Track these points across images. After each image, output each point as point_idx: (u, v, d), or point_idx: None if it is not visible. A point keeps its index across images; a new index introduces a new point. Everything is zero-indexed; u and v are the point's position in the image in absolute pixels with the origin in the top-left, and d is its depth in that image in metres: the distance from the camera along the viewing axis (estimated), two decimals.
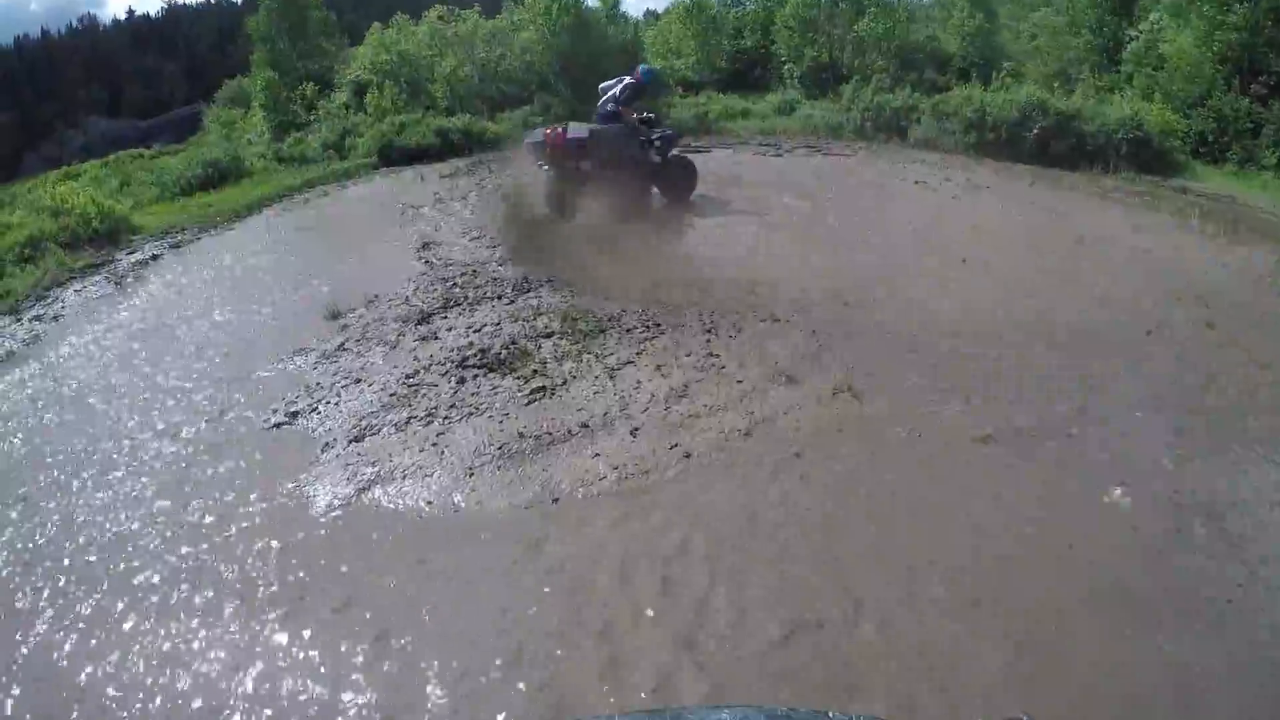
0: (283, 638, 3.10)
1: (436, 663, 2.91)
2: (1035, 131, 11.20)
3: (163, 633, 3.17)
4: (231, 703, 2.82)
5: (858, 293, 6.13)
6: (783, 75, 16.55)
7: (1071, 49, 14.15)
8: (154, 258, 8.58)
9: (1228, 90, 10.79)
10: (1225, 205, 9.30)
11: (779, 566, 3.31)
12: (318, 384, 5.13)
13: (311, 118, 15.77)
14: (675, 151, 8.91)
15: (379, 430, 4.52)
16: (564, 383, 4.93)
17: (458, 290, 6.61)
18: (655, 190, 8.76)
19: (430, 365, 5.24)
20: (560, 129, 8.29)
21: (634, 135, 8.38)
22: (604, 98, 8.58)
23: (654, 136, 8.54)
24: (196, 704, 2.83)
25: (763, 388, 4.78)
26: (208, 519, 3.88)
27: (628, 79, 8.51)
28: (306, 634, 3.11)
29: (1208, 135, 10.95)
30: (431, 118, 14.14)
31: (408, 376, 5.11)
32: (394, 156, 13.02)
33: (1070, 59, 14.10)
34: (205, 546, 3.68)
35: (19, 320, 6.94)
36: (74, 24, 61.47)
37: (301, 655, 3.01)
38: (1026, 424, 4.33)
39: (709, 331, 5.57)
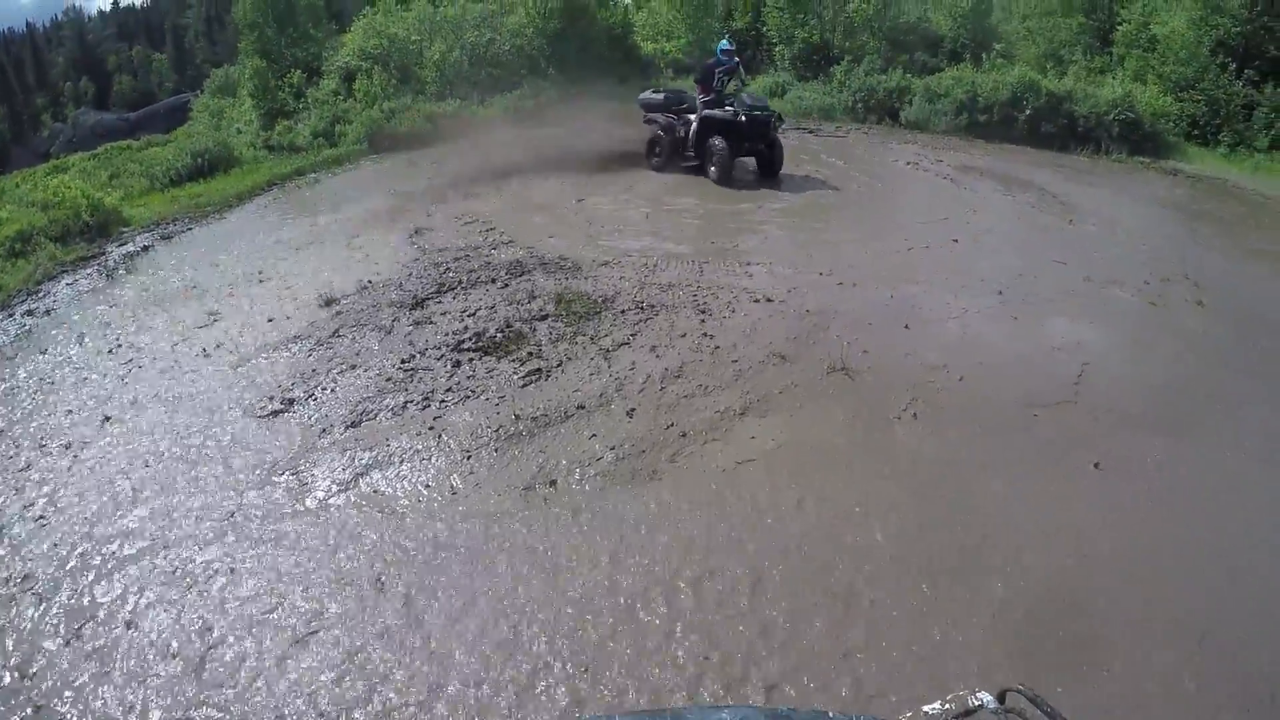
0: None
1: None
2: (1027, 113, 11.20)
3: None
4: None
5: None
6: (774, 57, 16.47)
7: (1063, 30, 14.11)
8: (145, 249, 8.51)
9: (1222, 73, 10.80)
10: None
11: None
12: (313, 370, 5.13)
13: (300, 105, 15.60)
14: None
15: (376, 415, 4.54)
16: (559, 365, 4.96)
17: (451, 275, 6.60)
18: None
19: (425, 350, 5.26)
20: None
21: None
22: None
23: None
24: None
25: (757, 367, 4.82)
26: (201, 514, 3.87)
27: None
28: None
29: (1199, 118, 10.98)
30: (422, 103, 14.04)
31: (403, 361, 5.12)
32: (385, 143, 12.93)
33: (1062, 40, 14.08)
34: (196, 541, 3.69)
35: (10, 315, 6.88)
36: (59, 16, 60.91)
37: None
38: None
39: (703, 313, 5.59)
